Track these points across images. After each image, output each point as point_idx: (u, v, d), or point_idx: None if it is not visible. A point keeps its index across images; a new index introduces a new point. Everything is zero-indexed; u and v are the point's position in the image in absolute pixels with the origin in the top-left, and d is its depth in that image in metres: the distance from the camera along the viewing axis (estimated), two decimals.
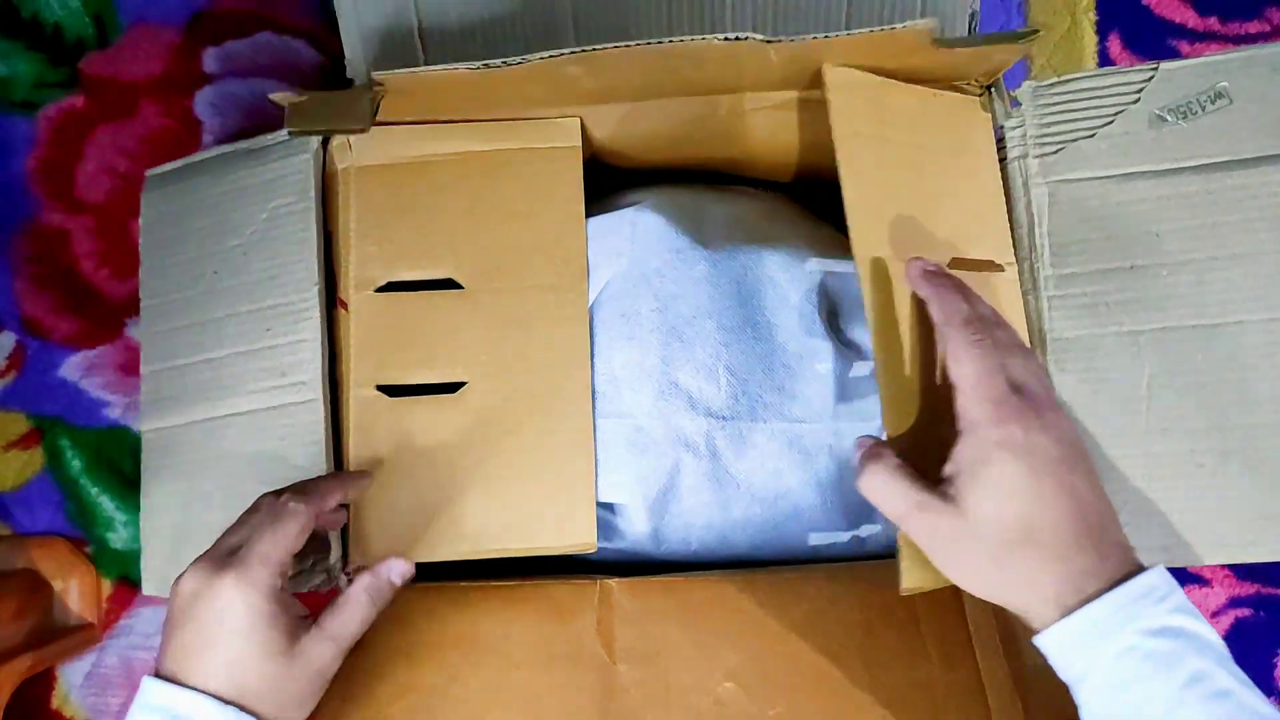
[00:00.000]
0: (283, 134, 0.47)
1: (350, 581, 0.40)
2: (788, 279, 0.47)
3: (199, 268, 0.49)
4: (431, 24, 0.49)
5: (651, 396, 0.46)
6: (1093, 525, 0.33)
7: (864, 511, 0.49)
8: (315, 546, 0.45)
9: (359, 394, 0.45)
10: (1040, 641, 0.33)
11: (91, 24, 0.67)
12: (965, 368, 0.34)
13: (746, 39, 0.38)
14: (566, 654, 0.42)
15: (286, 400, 0.46)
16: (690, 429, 0.46)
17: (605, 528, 0.47)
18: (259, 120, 0.48)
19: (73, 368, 0.65)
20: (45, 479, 0.65)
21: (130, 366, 0.64)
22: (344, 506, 0.45)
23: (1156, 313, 0.45)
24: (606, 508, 0.47)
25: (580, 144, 0.48)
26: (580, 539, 0.44)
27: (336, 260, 0.47)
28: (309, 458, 0.45)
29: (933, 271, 0.39)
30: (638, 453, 0.45)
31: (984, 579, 0.33)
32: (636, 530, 0.47)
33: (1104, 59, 0.67)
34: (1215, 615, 0.61)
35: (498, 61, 0.39)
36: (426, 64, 0.51)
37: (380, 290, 0.46)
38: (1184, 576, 0.61)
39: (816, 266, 0.48)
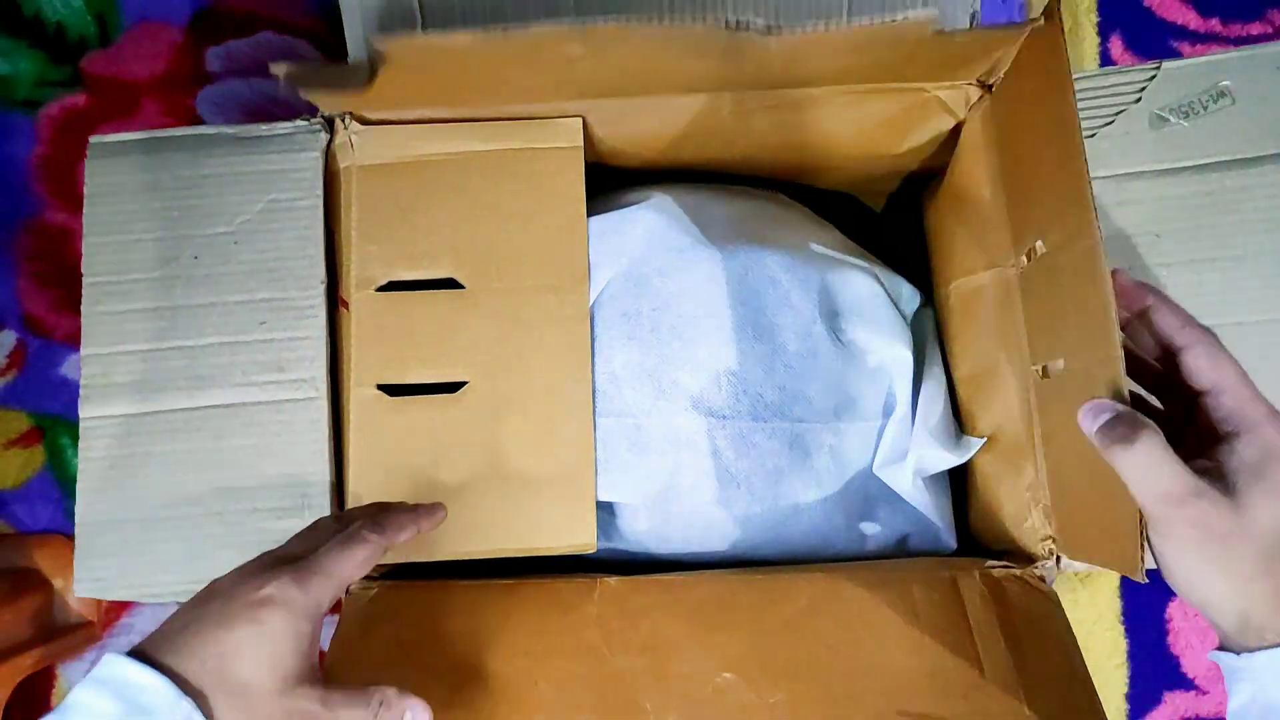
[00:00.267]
0: (281, 126, 0.47)
1: (349, 593, 0.39)
2: (789, 279, 0.47)
3: (170, 250, 0.47)
4: (434, 14, 0.49)
5: (652, 396, 0.46)
6: None
7: (864, 510, 0.49)
8: None
9: (359, 393, 0.45)
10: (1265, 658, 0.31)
11: (94, 23, 0.67)
12: (1228, 369, 0.34)
13: (746, 23, 0.38)
14: (565, 645, 0.42)
15: (283, 396, 0.46)
16: (690, 429, 0.46)
17: (605, 527, 0.47)
18: (261, 119, 0.48)
19: (74, 366, 0.65)
20: (46, 477, 0.65)
21: None
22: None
23: None
24: (606, 507, 0.47)
25: (582, 144, 0.48)
26: (580, 539, 0.44)
27: (337, 259, 0.47)
28: (307, 454, 0.45)
29: (1145, 283, 0.38)
30: (638, 452, 0.45)
31: (1236, 584, 0.32)
32: (636, 529, 0.47)
33: (1105, 60, 0.67)
34: None
35: (498, 27, 0.39)
36: None
37: (381, 290, 0.46)
38: None
39: (817, 266, 0.48)
